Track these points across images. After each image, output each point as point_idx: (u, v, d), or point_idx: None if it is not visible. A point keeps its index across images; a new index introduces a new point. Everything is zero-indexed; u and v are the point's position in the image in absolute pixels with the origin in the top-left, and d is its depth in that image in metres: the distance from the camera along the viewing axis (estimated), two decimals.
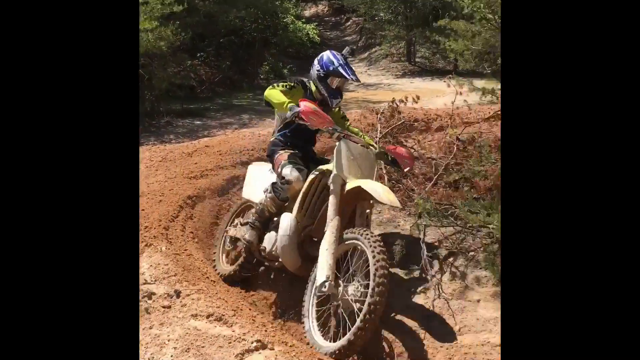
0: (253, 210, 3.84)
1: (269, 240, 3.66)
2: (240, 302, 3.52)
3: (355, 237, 3.20)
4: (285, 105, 3.47)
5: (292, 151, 3.73)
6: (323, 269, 3.12)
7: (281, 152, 3.75)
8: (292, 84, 3.70)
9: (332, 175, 3.41)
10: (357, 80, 3.79)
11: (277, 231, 3.53)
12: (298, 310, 3.40)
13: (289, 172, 3.56)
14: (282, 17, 14.55)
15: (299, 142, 3.83)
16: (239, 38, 13.35)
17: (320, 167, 3.57)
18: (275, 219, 3.69)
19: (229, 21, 12.63)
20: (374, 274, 2.94)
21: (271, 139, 3.90)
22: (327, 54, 3.70)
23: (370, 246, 3.05)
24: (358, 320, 2.93)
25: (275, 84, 3.66)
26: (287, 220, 3.48)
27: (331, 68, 3.64)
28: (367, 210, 3.58)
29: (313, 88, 3.73)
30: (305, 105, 3.38)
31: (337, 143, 3.45)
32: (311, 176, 3.56)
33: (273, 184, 3.68)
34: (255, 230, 3.75)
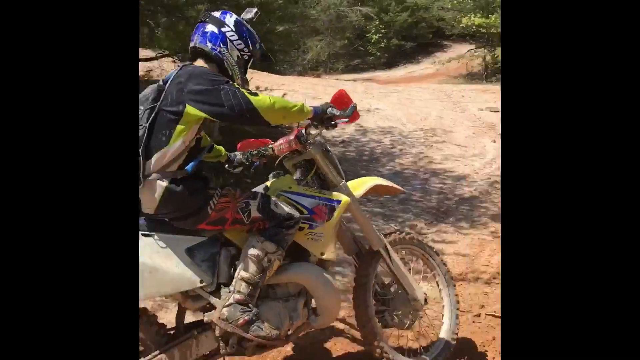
0: (241, 299, 2.32)
1: (279, 314, 2.42)
2: None
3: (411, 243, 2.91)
4: (302, 107, 2.34)
5: (226, 188, 2.42)
6: (414, 282, 2.79)
7: (221, 193, 2.36)
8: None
9: (344, 188, 2.63)
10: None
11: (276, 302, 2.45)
12: None
13: (289, 207, 2.45)
14: None
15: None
16: None
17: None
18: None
19: None
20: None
21: (176, 188, 2.23)
22: (243, 21, 2.45)
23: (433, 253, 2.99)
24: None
25: (241, 89, 2.20)
26: (324, 273, 2.53)
27: (257, 47, 2.46)
28: None
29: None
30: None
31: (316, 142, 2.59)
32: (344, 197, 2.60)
33: (275, 234, 2.36)
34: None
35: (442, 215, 5.13)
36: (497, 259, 4.09)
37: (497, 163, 6.28)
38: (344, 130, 7.44)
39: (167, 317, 2.89)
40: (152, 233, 2.30)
